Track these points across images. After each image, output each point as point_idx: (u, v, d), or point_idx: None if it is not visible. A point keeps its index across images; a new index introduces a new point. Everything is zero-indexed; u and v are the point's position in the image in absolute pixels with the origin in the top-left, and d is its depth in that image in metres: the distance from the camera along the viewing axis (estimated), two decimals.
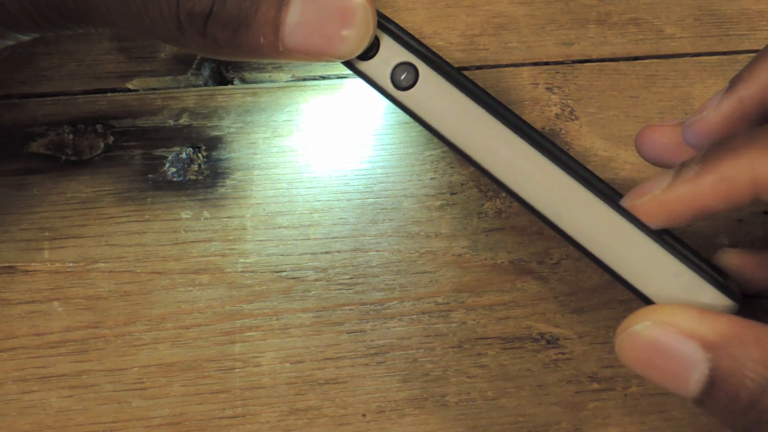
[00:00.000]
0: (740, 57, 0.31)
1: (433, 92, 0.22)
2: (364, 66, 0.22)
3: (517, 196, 0.22)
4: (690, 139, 0.24)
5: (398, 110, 0.22)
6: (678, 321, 0.19)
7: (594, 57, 0.31)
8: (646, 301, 0.21)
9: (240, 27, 0.20)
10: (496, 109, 0.22)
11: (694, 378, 0.19)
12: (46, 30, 0.22)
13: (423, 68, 0.22)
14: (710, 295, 0.20)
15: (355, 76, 0.23)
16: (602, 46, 0.31)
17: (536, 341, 0.27)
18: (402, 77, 0.22)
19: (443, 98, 0.22)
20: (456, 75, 0.22)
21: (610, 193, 0.22)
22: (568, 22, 0.31)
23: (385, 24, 0.22)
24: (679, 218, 0.21)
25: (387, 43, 0.22)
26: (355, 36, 0.21)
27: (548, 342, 0.27)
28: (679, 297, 0.20)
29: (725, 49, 0.31)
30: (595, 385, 0.27)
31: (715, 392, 0.18)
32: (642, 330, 0.19)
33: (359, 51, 0.21)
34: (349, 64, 0.22)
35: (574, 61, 0.31)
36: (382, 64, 0.22)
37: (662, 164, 0.25)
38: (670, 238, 0.21)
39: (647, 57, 0.31)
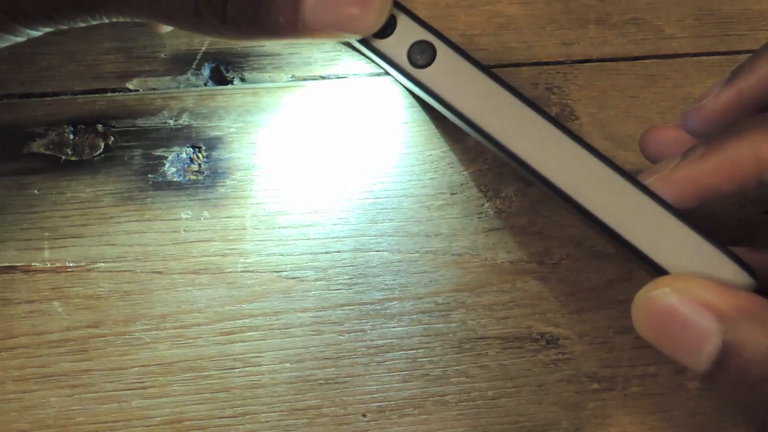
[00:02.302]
0: (740, 57, 0.31)
1: (450, 70, 0.22)
2: (381, 44, 0.22)
3: (536, 172, 0.21)
4: (688, 125, 0.24)
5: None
6: (697, 291, 0.19)
7: (594, 57, 0.31)
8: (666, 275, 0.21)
9: (260, 7, 0.20)
10: (514, 88, 0.22)
11: (707, 350, 0.18)
12: (58, 23, 0.22)
13: (440, 46, 0.22)
14: (730, 270, 0.20)
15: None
16: (602, 46, 0.31)
17: (536, 341, 0.27)
18: (419, 55, 0.22)
19: (461, 76, 0.22)
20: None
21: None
22: (568, 22, 0.31)
23: (401, 3, 0.22)
24: (686, 198, 0.21)
25: (404, 22, 0.22)
26: (373, 12, 0.21)
27: (548, 342, 0.27)
28: (699, 271, 0.20)
29: (725, 49, 0.31)
30: (595, 385, 0.27)
31: (726, 366, 0.18)
32: (660, 295, 0.19)
33: (377, 27, 0.21)
34: (365, 42, 0.22)
35: (574, 61, 0.31)
36: (399, 43, 0.22)
37: None
38: None
39: (647, 57, 0.31)
